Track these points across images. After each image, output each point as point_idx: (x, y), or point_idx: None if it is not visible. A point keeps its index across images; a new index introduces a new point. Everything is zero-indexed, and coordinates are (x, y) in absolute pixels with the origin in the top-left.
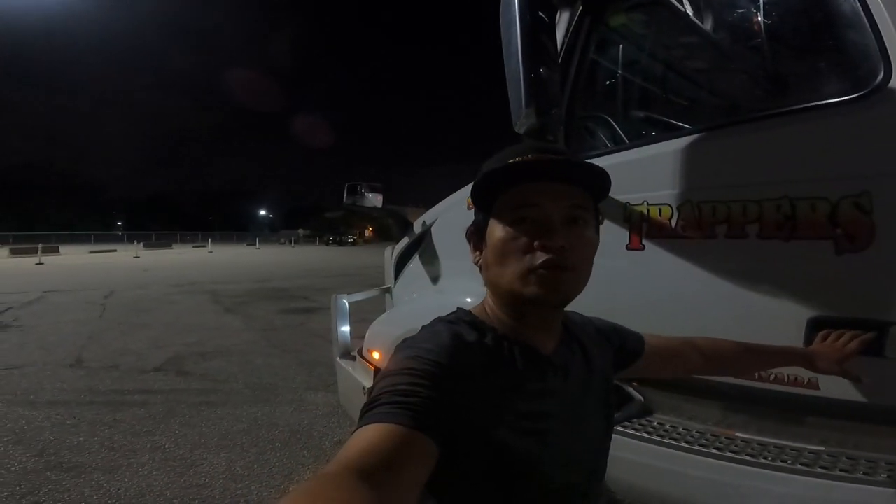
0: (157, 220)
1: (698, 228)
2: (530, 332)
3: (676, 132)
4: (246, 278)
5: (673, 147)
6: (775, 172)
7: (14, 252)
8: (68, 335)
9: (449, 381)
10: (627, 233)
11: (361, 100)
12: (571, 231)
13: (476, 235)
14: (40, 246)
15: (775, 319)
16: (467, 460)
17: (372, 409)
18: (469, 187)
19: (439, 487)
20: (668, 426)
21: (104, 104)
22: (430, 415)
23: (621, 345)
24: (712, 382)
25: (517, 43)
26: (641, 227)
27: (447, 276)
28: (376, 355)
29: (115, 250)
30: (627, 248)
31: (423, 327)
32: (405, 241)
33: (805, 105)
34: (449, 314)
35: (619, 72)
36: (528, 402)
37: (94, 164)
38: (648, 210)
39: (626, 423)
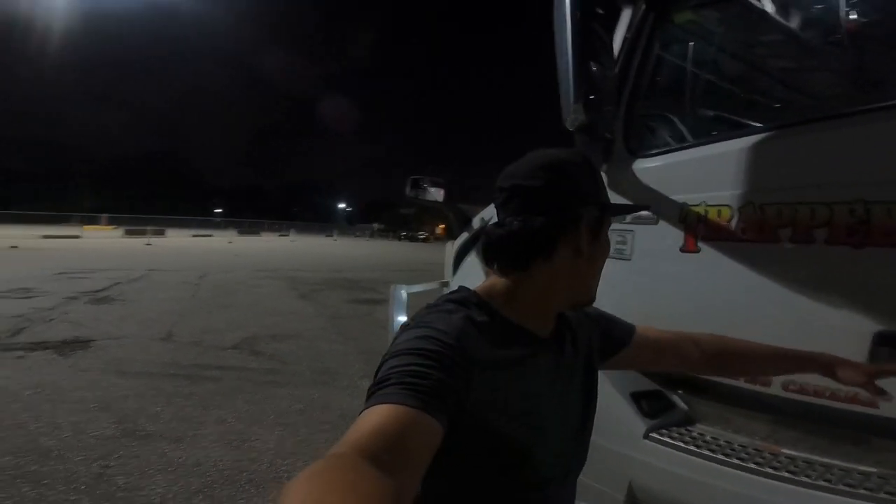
0: (249, 209)
1: (760, 231)
2: (542, 322)
3: (741, 130)
4: (322, 267)
5: (737, 146)
6: (850, 173)
7: (128, 233)
8: (163, 312)
9: (459, 364)
10: (683, 234)
11: (441, 97)
12: None
13: (591, 233)
14: (149, 228)
15: (838, 331)
16: (465, 444)
17: (382, 388)
18: None
19: (434, 471)
20: (708, 437)
21: (206, 100)
22: (439, 397)
23: (608, 332)
24: (763, 395)
25: (567, 39)
26: (698, 228)
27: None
28: None
29: (211, 235)
30: (682, 250)
31: (431, 305)
32: (464, 236)
33: (885, 104)
34: (455, 293)
35: (686, 68)
36: (527, 385)
37: (198, 156)
38: (707, 211)
39: (665, 431)
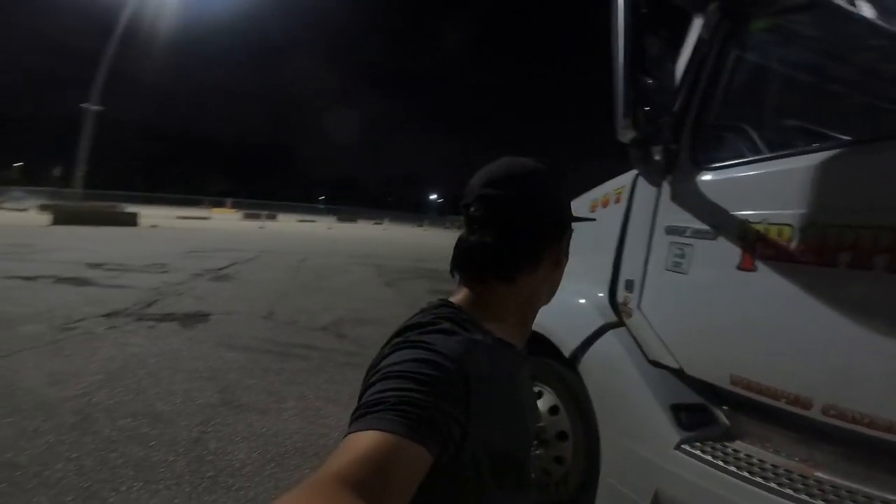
0: (348, 197)
1: (819, 254)
2: (519, 334)
3: (808, 146)
4: (408, 256)
5: (804, 163)
6: None
7: (246, 216)
8: (268, 291)
9: (459, 390)
10: (740, 252)
11: (535, 93)
12: None
13: (567, 246)
14: (263, 213)
15: (891, 360)
16: (464, 462)
17: (372, 412)
18: (597, 190)
19: (430, 490)
20: (742, 454)
21: (314, 93)
22: (432, 426)
23: None
24: (804, 418)
25: (619, 51)
26: (756, 247)
27: (565, 275)
28: None
29: (315, 221)
30: (738, 267)
31: (424, 323)
32: None
33: None
34: (443, 308)
35: (761, 77)
36: (516, 398)
37: (307, 146)
38: (767, 230)
39: (698, 444)
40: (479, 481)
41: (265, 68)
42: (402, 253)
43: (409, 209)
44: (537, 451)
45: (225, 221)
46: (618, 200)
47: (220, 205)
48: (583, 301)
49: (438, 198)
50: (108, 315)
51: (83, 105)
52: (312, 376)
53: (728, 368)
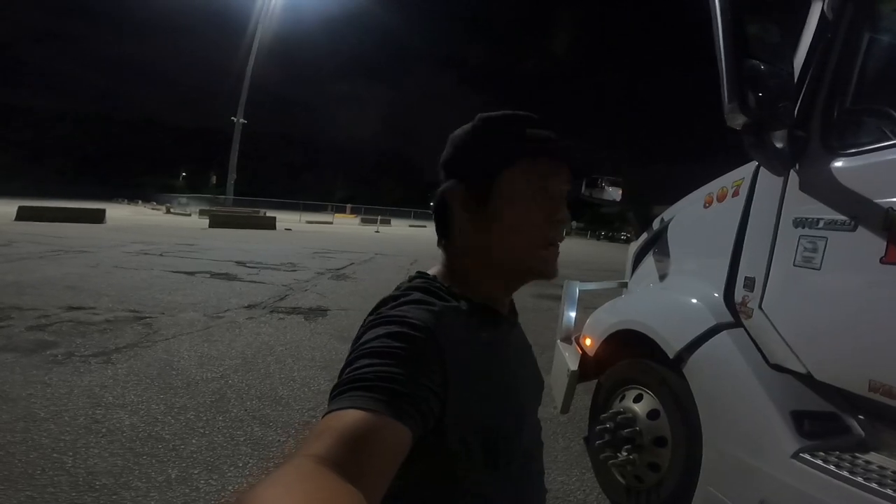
0: None
1: None
2: (497, 297)
3: None
4: None
5: None
6: None
7: (363, 221)
8: (381, 290)
9: (434, 362)
10: (885, 243)
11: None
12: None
13: (473, 196)
14: (379, 218)
15: None
16: (452, 440)
17: (348, 390)
18: (712, 184)
19: (417, 470)
20: (875, 465)
21: (426, 99)
22: (411, 402)
23: None
24: None
25: (720, 35)
26: None
27: (674, 273)
28: (588, 341)
29: (425, 226)
30: (882, 261)
31: (395, 297)
32: (644, 236)
33: None
34: (417, 279)
35: None
36: (500, 365)
37: (419, 152)
38: None
39: (821, 453)
40: (468, 458)
41: (382, 78)
42: None
43: None
44: (628, 455)
45: (345, 226)
46: (736, 194)
47: (341, 210)
48: (693, 300)
49: None
50: (248, 307)
51: (232, 118)
52: None
53: (866, 373)
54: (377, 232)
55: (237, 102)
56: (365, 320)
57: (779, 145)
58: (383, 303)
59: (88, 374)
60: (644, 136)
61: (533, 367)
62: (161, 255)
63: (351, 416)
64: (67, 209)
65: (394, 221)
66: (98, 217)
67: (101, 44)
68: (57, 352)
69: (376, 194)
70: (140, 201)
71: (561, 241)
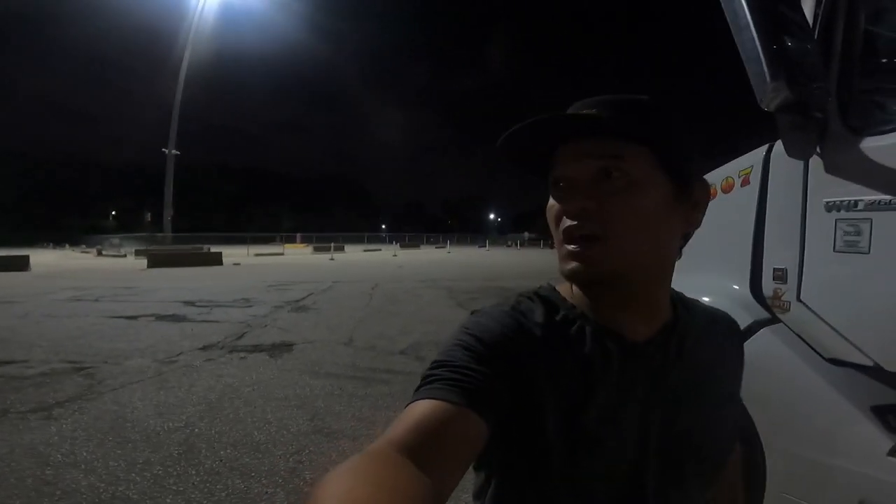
0: (410, 224)
1: None
2: (615, 314)
3: None
4: (477, 276)
5: None
6: None
7: (316, 249)
8: (346, 319)
9: (503, 360)
10: None
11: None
12: (600, 189)
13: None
14: (332, 245)
15: None
16: (516, 449)
17: (426, 384)
18: (714, 174)
19: (490, 465)
20: None
21: (368, 122)
22: (484, 394)
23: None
24: None
25: (745, 13)
26: None
27: (685, 271)
28: None
29: (380, 249)
30: None
31: (497, 304)
32: None
33: None
34: (541, 287)
35: None
36: (596, 395)
37: (366, 175)
38: None
39: None
40: (522, 466)
41: (322, 103)
42: (469, 274)
43: (471, 230)
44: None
45: (297, 256)
46: (745, 182)
47: (291, 240)
48: (716, 298)
49: (497, 217)
50: (203, 348)
51: (163, 150)
52: (397, 400)
53: None
54: (332, 259)
55: (168, 134)
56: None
57: (805, 127)
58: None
59: (29, 432)
60: None
61: (682, 421)
62: (96, 300)
63: (426, 406)
64: None
65: (348, 247)
66: (22, 265)
67: (11, 78)
68: None
69: (327, 221)
70: (67, 245)
71: (589, 235)
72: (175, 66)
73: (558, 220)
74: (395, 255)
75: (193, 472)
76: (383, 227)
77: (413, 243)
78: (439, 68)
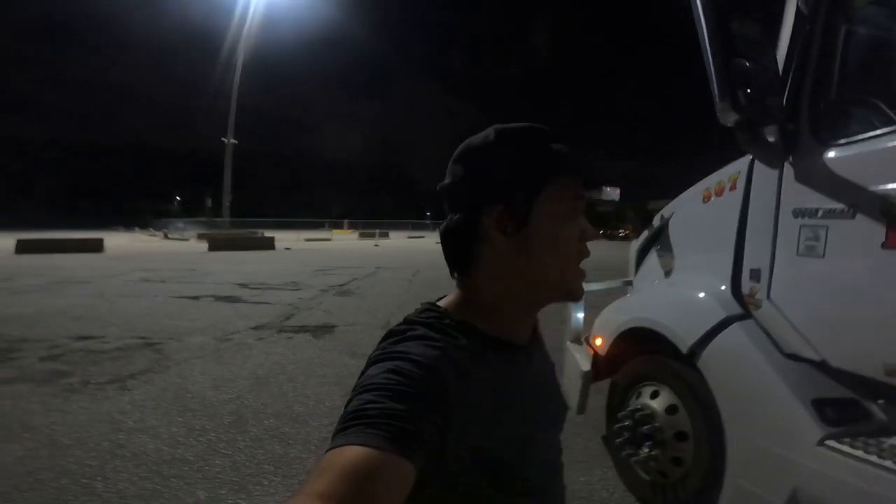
0: None
1: None
2: (517, 326)
3: None
4: None
5: None
6: None
7: (361, 235)
8: (386, 303)
9: (437, 398)
10: (885, 230)
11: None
12: None
13: (514, 218)
14: (377, 231)
15: None
16: (454, 473)
17: (349, 426)
18: (709, 179)
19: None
20: None
21: (413, 109)
22: (412, 437)
23: None
24: None
25: (705, 34)
26: None
27: (679, 269)
28: (599, 341)
29: (423, 236)
30: (883, 246)
31: (397, 332)
32: (645, 234)
33: None
34: (422, 313)
35: (881, 43)
36: (512, 398)
37: (411, 162)
38: None
39: (847, 439)
40: (476, 490)
41: (368, 91)
42: None
43: None
44: (650, 451)
45: (344, 241)
46: (733, 188)
47: (338, 226)
48: (701, 294)
49: None
50: (255, 328)
51: (223, 139)
52: None
53: (881, 358)
54: (376, 245)
55: (226, 123)
56: (370, 355)
57: (771, 139)
58: (388, 336)
59: (106, 401)
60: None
61: (554, 393)
62: (163, 281)
63: (354, 452)
64: (66, 240)
65: (392, 234)
66: (97, 247)
67: (82, 69)
68: (72, 380)
69: (373, 208)
70: (137, 228)
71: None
72: (233, 57)
73: (577, 245)
74: (437, 243)
75: (240, 439)
76: (427, 213)
77: None
78: (483, 55)
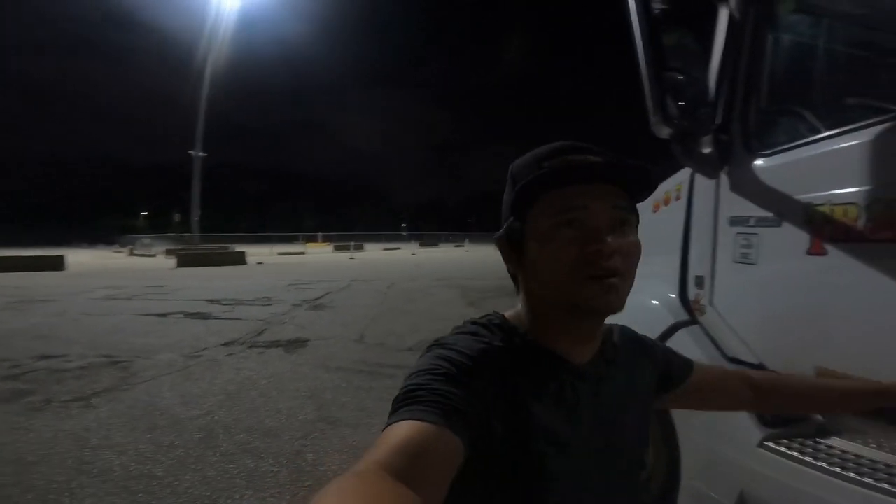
0: (429, 222)
1: (891, 230)
2: (564, 343)
3: (865, 121)
4: (491, 276)
5: (860, 138)
6: None
7: (336, 248)
8: (360, 316)
9: (474, 383)
10: (808, 236)
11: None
12: (619, 234)
13: (509, 244)
14: (352, 244)
15: None
16: (485, 466)
17: (403, 406)
18: (659, 188)
19: (456, 492)
20: (837, 450)
21: (388, 120)
22: (459, 414)
23: (666, 366)
24: None
25: (640, 51)
26: (824, 229)
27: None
28: None
29: (399, 248)
30: (808, 252)
31: (458, 328)
32: None
33: None
34: (483, 316)
35: (804, 55)
36: (552, 413)
37: (387, 174)
38: (833, 210)
39: (785, 441)
40: (489, 489)
41: (342, 102)
42: (484, 273)
43: (491, 228)
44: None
45: (318, 255)
46: (678, 197)
47: (312, 239)
48: (652, 301)
49: None
50: (226, 344)
51: (190, 152)
52: None
53: (812, 360)
54: (352, 258)
55: (194, 135)
56: (427, 347)
57: (706, 150)
58: (452, 331)
59: (70, 419)
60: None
61: (618, 431)
62: (129, 298)
63: (406, 427)
64: (25, 258)
65: (367, 246)
66: (57, 264)
67: (42, 79)
68: (34, 399)
69: (348, 220)
70: (101, 244)
71: (618, 272)
72: (200, 68)
73: (577, 257)
74: (413, 254)
75: (211, 454)
76: (403, 225)
77: (432, 242)
78: (457, 64)
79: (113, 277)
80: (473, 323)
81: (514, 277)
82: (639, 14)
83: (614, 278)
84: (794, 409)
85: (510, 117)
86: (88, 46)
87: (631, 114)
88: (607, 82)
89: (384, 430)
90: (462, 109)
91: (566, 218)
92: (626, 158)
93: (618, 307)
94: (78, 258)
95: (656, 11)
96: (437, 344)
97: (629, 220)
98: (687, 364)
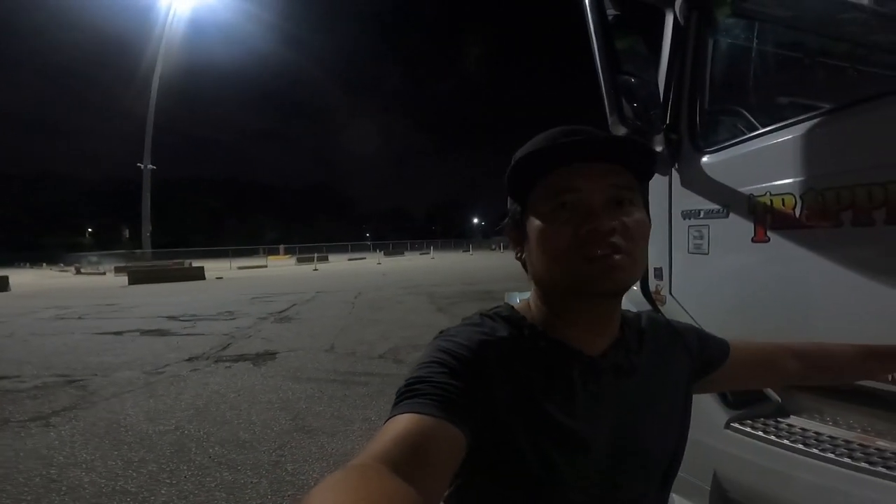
0: (393, 231)
1: (823, 217)
2: (575, 332)
3: (797, 117)
4: (458, 281)
5: (792, 133)
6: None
7: (299, 260)
8: (328, 327)
9: (479, 377)
10: (752, 225)
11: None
12: (618, 213)
13: (515, 230)
14: (316, 255)
15: None
16: (490, 459)
17: (403, 398)
18: None
19: (462, 485)
20: (797, 428)
21: (348, 129)
22: (461, 407)
23: (701, 351)
24: (864, 388)
25: (596, 54)
26: (766, 218)
27: None
28: None
29: (364, 258)
30: (753, 240)
31: (464, 318)
32: None
33: None
34: (492, 308)
35: (743, 57)
36: (565, 409)
37: (349, 183)
38: (772, 201)
39: (749, 421)
40: (501, 481)
41: (299, 111)
42: (451, 279)
43: (456, 235)
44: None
45: (281, 267)
46: None
47: (274, 252)
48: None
49: (481, 221)
50: (189, 359)
51: (139, 164)
52: (374, 400)
53: (764, 340)
54: (316, 270)
55: (143, 147)
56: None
57: (658, 149)
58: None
59: (30, 438)
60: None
61: (644, 422)
62: (80, 318)
63: (405, 419)
64: None
65: (332, 257)
66: (1, 285)
67: None
68: None
69: (310, 231)
70: (45, 264)
71: (619, 250)
72: (147, 78)
73: (573, 238)
74: (379, 264)
75: (185, 468)
76: (367, 235)
77: (398, 251)
78: (415, 73)
79: (61, 297)
80: (480, 314)
81: (523, 264)
82: (594, 21)
83: (617, 256)
84: (842, 378)
85: (470, 124)
86: (29, 57)
87: (591, 116)
88: (568, 87)
89: (385, 422)
90: (422, 118)
91: (560, 201)
92: (620, 137)
93: (624, 286)
94: (21, 279)
95: (610, 18)
96: (440, 335)
97: (630, 199)
98: (724, 344)
